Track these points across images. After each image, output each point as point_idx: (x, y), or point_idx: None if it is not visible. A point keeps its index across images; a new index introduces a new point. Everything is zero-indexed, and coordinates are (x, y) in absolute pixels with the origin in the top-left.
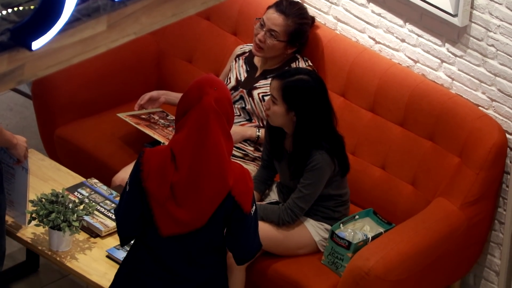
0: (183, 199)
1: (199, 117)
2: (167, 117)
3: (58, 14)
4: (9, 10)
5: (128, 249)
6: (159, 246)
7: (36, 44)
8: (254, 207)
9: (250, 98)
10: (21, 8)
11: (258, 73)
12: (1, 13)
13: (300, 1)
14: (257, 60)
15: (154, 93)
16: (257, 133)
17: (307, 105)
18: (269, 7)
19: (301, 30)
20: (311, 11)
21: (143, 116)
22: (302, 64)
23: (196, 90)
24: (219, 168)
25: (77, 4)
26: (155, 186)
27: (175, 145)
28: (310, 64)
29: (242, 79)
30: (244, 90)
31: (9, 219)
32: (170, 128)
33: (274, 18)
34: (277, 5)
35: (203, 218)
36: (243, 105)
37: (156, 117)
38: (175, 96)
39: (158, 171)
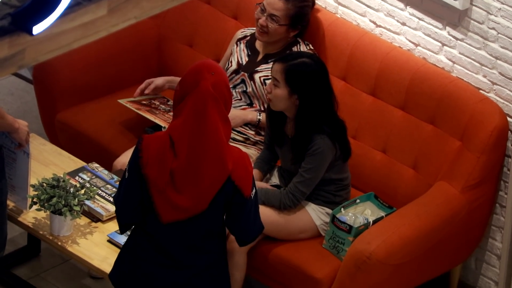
0: (183, 185)
1: (197, 102)
2: (168, 103)
3: None
4: None
5: (129, 234)
6: (159, 232)
7: (37, 29)
8: (254, 190)
9: (252, 82)
10: None
11: (259, 57)
12: None
13: None
14: (258, 44)
15: (159, 82)
16: (258, 117)
17: (309, 88)
18: None
19: (302, 13)
20: None
21: (144, 102)
22: (303, 47)
23: (193, 75)
24: (218, 153)
25: None
26: (154, 173)
27: (173, 131)
28: (311, 48)
29: (244, 62)
30: (246, 74)
31: (10, 203)
32: (171, 113)
33: (274, 3)
34: None
35: (203, 204)
36: (244, 89)
37: (157, 103)
38: None
39: (157, 157)
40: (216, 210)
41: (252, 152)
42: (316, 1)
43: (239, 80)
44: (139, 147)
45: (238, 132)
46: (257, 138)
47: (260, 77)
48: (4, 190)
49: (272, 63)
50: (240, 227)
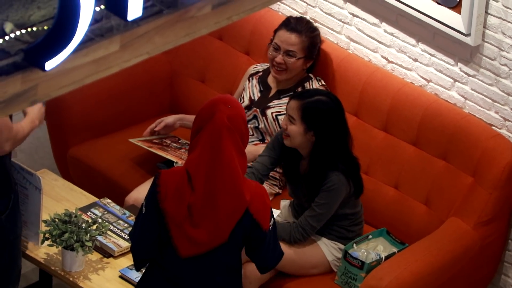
0: (200, 219)
1: (212, 134)
2: (179, 141)
3: (72, 35)
4: (23, 31)
5: (143, 270)
6: (177, 267)
7: (49, 65)
8: (272, 221)
9: (264, 118)
10: (34, 28)
11: (272, 93)
12: (15, 33)
13: (305, 17)
14: (270, 80)
15: (169, 120)
16: None
17: (326, 125)
18: (277, 30)
19: (315, 42)
20: (324, 30)
21: (155, 141)
22: (315, 83)
23: (209, 108)
24: (234, 185)
25: (90, 24)
26: (172, 207)
27: (190, 165)
28: (323, 83)
29: (256, 98)
30: (258, 110)
31: (22, 239)
32: (183, 150)
33: (289, 38)
34: (286, 25)
35: (222, 236)
36: (257, 124)
37: (168, 141)
38: (190, 120)
39: (175, 192)
40: (235, 244)
41: (265, 187)
42: (328, 37)
43: (251, 116)
44: (156, 182)
45: (249, 167)
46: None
47: (272, 113)
48: (19, 224)
49: (284, 98)
50: (260, 256)
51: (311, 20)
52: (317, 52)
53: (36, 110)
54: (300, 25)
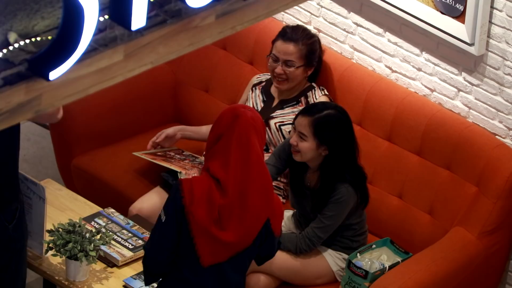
0: (229, 221)
1: (240, 135)
2: (183, 153)
3: (76, 45)
4: (27, 41)
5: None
6: (198, 276)
7: (53, 74)
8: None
9: (267, 128)
10: (38, 38)
11: (275, 103)
12: (19, 43)
13: (302, 25)
14: (273, 90)
15: (169, 131)
16: None
17: (338, 138)
18: (274, 41)
19: (313, 49)
20: (328, 40)
21: (159, 153)
22: (318, 92)
23: (229, 113)
24: (263, 183)
25: (94, 34)
26: (201, 211)
27: (216, 170)
28: (326, 93)
29: (259, 109)
30: None
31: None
32: (187, 161)
33: (285, 48)
34: (282, 36)
35: (248, 239)
36: None
37: (172, 153)
38: (191, 131)
39: (202, 196)
40: (254, 249)
41: None
42: (332, 47)
43: None
44: (179, 188)
45: None
46: (273, 183)
47: (275, 123)
48: (26, 234)
49: (287, 108)
50: (263, 252)
51: (308, 27)
52: (318, 59)
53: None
54: (296, 34)
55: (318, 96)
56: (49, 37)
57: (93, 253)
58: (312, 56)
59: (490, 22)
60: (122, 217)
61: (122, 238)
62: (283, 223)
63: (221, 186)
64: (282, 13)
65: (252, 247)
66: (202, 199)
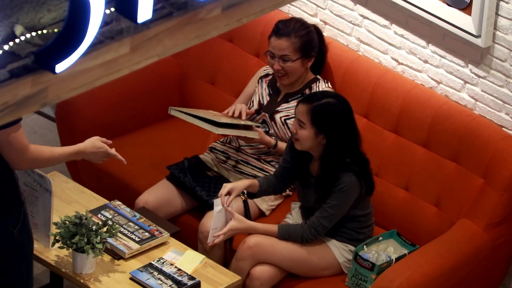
0: None
1: None
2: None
3: (82, 37)
4: (33, 33)
5: (152, 272)
6: None
7: (59, 67)
8: None
9: (273, 122)
10: (44, 31)
11: (280, 97)
12: (25, 36)
13: (295, 17)
14: (279, 84)
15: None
16: (274, 144)
17: (336, 127)
18: (269, 38)
19: (308, 40)
20: (334, 32)
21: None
22: (322, 85)
23: None
24: None
25: (100, 27)
26: None
27: None
28: (330, 86)
29: (265, 102)
30: (267, 114)
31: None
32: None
33: (279, 44)
34: (275, 32)
35: None
36: (267, 129)
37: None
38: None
39: None
40: None
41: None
42: (338, 39)
43: (260, 121)
44: None
45: (260, 168)
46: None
47: (281, 117)
48: (31, 237)
49: (292, 102)
50: None
51: (302, 18)
52: (319, 49)
53: (88, 145)
54: (287, 28)
55: (322, 88)
56: (56, 30)
57: (99, 246)
58: (308, 47)
59: (497, 14)
60: (128, 209)
61: (128, 231)
62: (290, 216)
63: None
64: (289, 5)
65: None
66: None
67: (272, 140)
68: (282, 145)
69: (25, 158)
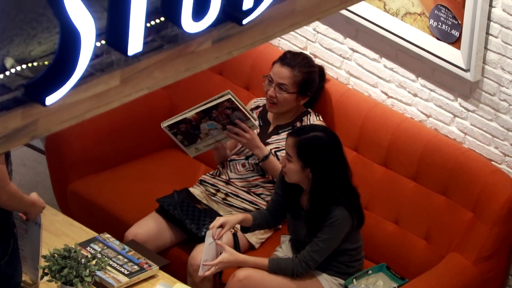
0: None
1: None
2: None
3: (72, 70)
4: (23, 66)
5: None
6: None
7: (50, 100)
8: None
9: None
10: (35, 63)
11: (270, 129)
12: (15, 68)
13: (305, 52)
14: (270, 115)
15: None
16: (267, 154)
17: (322, 161)
18: (274, 63)
19: (309, 79)
20: (324, 65)
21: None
22: (313, 118)
23: None
24: None
25: (91, 60)
26: None
27: None
28: (321, 119)
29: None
30: None
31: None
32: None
33: (281, 72)
34: (281, 59)
35: None
36: (257, 161)
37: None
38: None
39: None
40: None
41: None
42: (328, 72)
43: (251, 152)
44: None
45: (250, 202)
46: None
47: (271, 149)
48: (19, 270)
49: (282, 134)
50: None
51: (311, 56)
52: (316, 90)
53: (41, 203)
54: (294, 60)
55: (313, 121)
56: (46, 62)
57: (88, 279)
58: (306, 85)
59: (486, 48)
60: (117, 242)
61: (117, 264)
62: (279, 249)
63: None
64: (279, 38)
65: None
66: None
67: (265, 150)
68: (273, 160)
69: (6, 191)
